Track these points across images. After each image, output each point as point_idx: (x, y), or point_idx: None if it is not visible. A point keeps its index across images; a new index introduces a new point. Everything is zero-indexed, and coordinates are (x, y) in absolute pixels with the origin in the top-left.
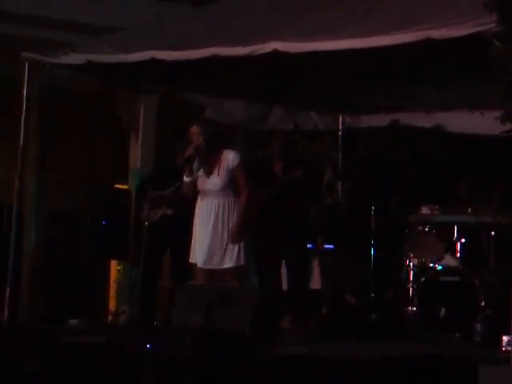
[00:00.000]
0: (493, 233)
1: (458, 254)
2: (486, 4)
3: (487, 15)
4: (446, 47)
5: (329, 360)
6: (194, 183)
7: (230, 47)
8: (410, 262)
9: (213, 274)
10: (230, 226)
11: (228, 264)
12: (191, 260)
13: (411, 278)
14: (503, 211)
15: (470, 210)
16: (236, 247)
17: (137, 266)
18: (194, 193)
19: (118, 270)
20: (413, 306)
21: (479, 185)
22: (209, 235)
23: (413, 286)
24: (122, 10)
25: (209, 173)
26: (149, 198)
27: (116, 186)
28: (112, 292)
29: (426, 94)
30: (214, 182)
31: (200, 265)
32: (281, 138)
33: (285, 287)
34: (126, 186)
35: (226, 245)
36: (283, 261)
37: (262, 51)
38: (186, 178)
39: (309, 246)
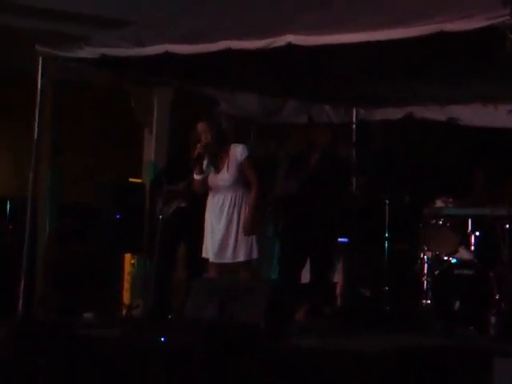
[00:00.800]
0: (507, 226)
1: (473, 247)
2: None
3: (501, 8)
4: (460, 40)
5: (342, 352)
6: (204, 181)
7: (243, 40)
8: (424, 255)
9: (225, 268)
10: (242, 219)
11: (241, 258)
12: (204, 255)
13: (425, 271)
14: None
15: (484, 203)
16: (248, 241)
17: (151, 259)
18: (204, 190)
19: (131, 264)
20: (427, 299)
21: (493, 178)
22: (221, 230)
23: (427, 279)
24: (135, 3)
25: (218, 168)
26: (163, 191)
27: (130, 179)
28: (126, 285)
29: (440, 87)
30: (223, 177)
31: (212, 259)
32: (319, 130)
33: (305, 280)
34: (140, 180)
35: (239, 239)
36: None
37: (275, 44)
38: (196, 176)
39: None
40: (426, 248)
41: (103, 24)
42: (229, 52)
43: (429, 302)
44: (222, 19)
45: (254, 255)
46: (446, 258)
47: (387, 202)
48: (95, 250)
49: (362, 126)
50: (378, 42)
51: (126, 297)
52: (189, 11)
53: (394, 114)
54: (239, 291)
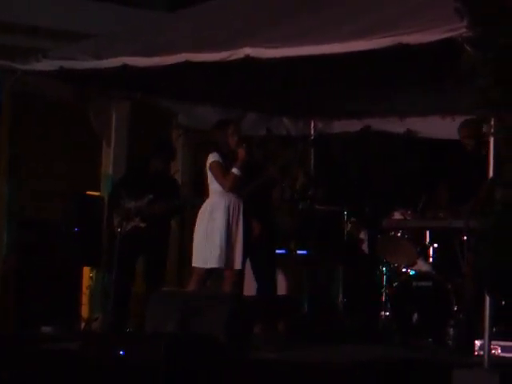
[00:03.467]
0: (465, 238)
1: (431, 259)
2: (457, 9)
3: (458, 20)
4: (419, 52)
5: (302, 365)
6: (242, 179)
7: (202, 53)
8: (382, 267)
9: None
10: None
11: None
12: (208, 264)
13: (384, 283)
14: (475, 216)
15: (442, 215)
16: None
17: (109, 273)
18: (238, 190)
19: (90, 277)
20: (386, 311)
21: (451, 190)
22: (238, 235)
23: (385, 291)
24: (94, 17)
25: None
26: (120, 206)
27: (88, 192)
28: (85, 299)
29: (399, 100)
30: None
31: (221, 265)
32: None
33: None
34: (98, 193)
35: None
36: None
37: (234, 57)
38: (236, 171)
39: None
40: (384, 260)
41: (61, 37)
42: (187, 64)
43: (387, 313)
44: (180, 32)
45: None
46: (404, 269)
47: (346, 214)
48: (54, 263)
49: (320, 138)
50: (337, 55)
51: (85, 310)
52: (148, 24)
53: (353, 126)
54: (199, 304)
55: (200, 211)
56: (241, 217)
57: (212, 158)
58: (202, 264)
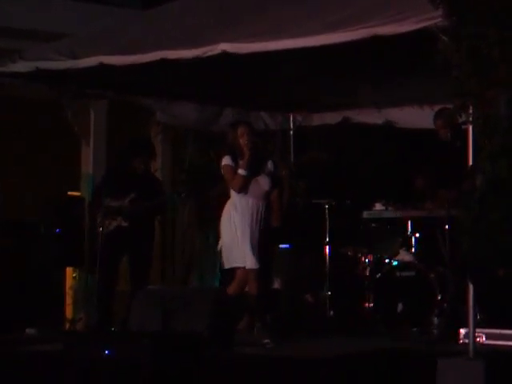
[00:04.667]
0: (446, 227)
1: (413, 249)
2: None
3: (432, 10)
4: (394, 43)
5: (288, 359)
6: (249, 179)
7: (178, 50)
8: (365, 259)
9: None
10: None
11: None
12: (232, 264)
13: (367, 274)
14: (456, 205)
15: (423, 205)
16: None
17: (92, 273)
18: (246, 189)
19: (73, 277)
20: (370, 302)
21: (431, 179)
22: (256, 236)
23: (369, 282)
24: (68, 16)
25: (257, 173)
26: (102, 206)
27: (68, 193)
28: (68, 299)
29: (376, 91)
30: (267, 182)
31: (249, 266)
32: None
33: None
34: (78, 193)
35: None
36: None
37: (210, 53)
38: (242, 172)
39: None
40: (366, 251)
41: (34, 37)
42: (164, 62)
43: (371, 304)
44: (156, 29)
45: None
46: (387, 260)
47: (327, 206)
48: (36, 264)
49: (299, 131)
50: (313, 48)
51: (69, 311)
52: (123, 23)
53: (332, 118)
54: (182, 301)
55: (223, 212)
56: (259, 216)
57: (224, 161)
58: (234, 264)
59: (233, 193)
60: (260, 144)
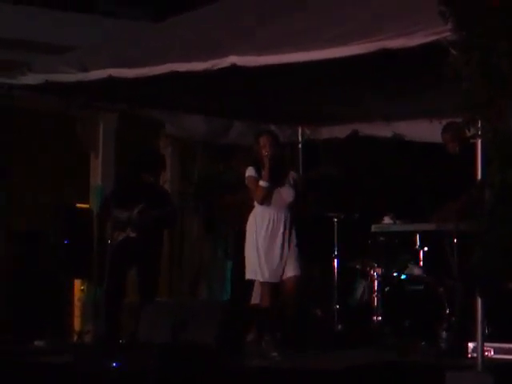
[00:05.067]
0: (455, 240)
1: (422, 263)
2: (441, 12)
3: (442, 24)
4: (404, 56)
5: (295, 372)
6: (271, 191)
7: (187, 63)
8: (374, 272)
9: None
10: (292, 239)
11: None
12: (253, 276)
13: (376, 288)
14: (465, 218)
15: (431, 219)
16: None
17: (101, 285)
18: (268, 201)
19: (81, 290)
20: (378, 316)
21: (440, 193)
22: (279, 248)
23: (377, 296)
24: (78, 29)
25: (279, 184)
26: (112, 217)
27: (77, 205)
28: (76, 311)
29: (386, 104)
30: (290, 193)
31: (267, 279)
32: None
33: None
34: (87, 205)
35: (288, 258)
36: None
37: (219, 66)
38: (263, 183)
39: None
40: (375, 265)
41: (44, 50)
42: (173, 74)
43: (380, 318)
44: (165, 42)
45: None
46: (395, 274)
47: (335, 220)
48: (44, 276)
49: (308, 144)
50: (323, 61)
51: (77, 323)
52: (132, 35)
53: (341, 131)
54: (191, 313)
55: (247, 223)
56: (280, 228)
57: (247, 172)
58: (251, 276)
59: (256, 203)
60: (282, 155)
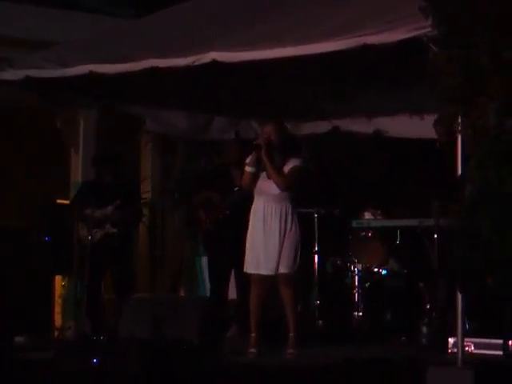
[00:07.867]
0: (435, 236)
1: (402, 259)
2: (421, 8)
3: (423, 19)
4: (384, 52)
5: (276, 368)
6: (256, 176)
7: (168, 58)
8: (354, 268)
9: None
10: (288, 232)
11: (283, 270)
12: (250, 270)
13: (356, 284)
14: (445, 214)
15: (411, 214)
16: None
17: (81, 281)
18: (253, 187)
19: (62, 286)
20: (359, 312)
21: (420, 189)
22: (272, 240)
23: (358, 292)
24: (62, 25)
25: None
26: (87, 216)
27: (58, 201)
28: (57, 307)
29: (366, 100)
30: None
31: (269, 271)
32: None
33: (232, 296)
34: (67, 201)
35: (283, 251)
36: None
37: (200, 62)
38: (249, 168)
39: None
40: (355, 260)
41: (23, 46)
42: (154, 70)
43: (360, 313)
44: (146, 38)
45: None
46: (376, 269)
47: (316, 215)
48: (25, 272)
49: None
50: (303, 57)
51: (58, 319)
52: (112, 31)
53: (322, 127)
54: (172, 308)
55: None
56: (274, 220)
57: (247, 159)
58: (246, 269)
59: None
60: (285, 145)
